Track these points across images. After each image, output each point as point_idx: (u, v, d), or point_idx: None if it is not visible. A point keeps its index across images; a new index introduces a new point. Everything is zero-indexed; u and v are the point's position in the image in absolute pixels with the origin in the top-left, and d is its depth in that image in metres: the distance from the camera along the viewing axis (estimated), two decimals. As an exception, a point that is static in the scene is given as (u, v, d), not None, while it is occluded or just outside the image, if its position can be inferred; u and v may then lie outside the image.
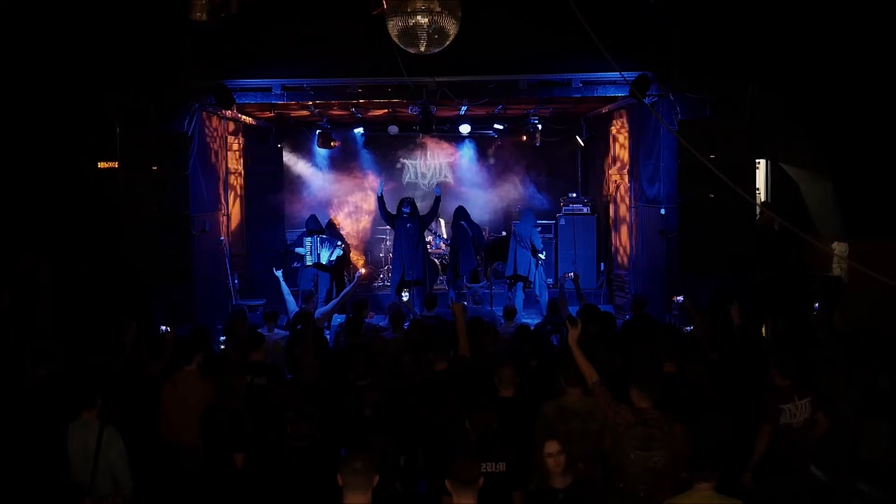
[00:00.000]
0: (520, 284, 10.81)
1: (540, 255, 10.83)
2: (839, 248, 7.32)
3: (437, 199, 10.93)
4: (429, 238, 13.24)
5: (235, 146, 12.15)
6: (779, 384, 4.93)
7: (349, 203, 14.51)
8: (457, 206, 11.89)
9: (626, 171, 11.60)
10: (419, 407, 5.28)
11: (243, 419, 5.01)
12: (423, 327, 6.35)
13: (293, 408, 4.72)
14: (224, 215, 11.03)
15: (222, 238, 10.48)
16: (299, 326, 7.49)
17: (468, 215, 11.61)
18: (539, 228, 11.34)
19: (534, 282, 10.87)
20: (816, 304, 6.60)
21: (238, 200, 12.27)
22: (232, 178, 11.81)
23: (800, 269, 7.96)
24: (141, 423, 5.42)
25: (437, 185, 11.42)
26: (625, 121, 11.56)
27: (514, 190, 14.34)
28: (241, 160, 12.36)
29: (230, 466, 4.85)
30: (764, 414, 4.90)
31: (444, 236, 13.62)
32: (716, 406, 5.06)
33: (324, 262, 10.74)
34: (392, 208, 10.85)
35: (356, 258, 13.43)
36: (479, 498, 3.63)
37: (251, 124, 12.30)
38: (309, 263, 10.75)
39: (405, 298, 8.32)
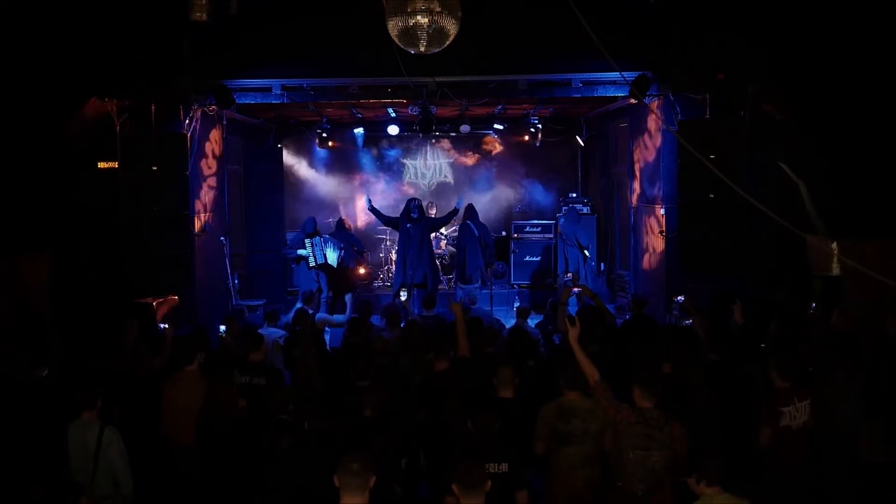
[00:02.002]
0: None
1: (585, 250, 10.88)
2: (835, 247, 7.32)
3: (455, 211, 11.02)
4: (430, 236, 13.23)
5: (235, 146, 12.13)
6: (779, 386, 4.93)
7: (348, 203, 14.51)
8: (467, 204, 11.85)
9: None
10: (419, 408, 5.28)
11: (239, 419, 5.01)
12: (420, 328, 6.35)
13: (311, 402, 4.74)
14: (224, 215, 11.02)
15: (222, 238, 10.48)
16: (298, 327, 7.50)
17: (476, 215, 11.59)
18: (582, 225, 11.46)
19: (582, 278, 10.91)
20: (813, 304, 6.60)
21: (238, 200, 12.26)
22: (231, 178, 11.79)
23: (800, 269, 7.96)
24: (141, 423, 5.42)
25: (460, 199, 11.49)
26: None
27: (513, 190, 14.35)
28: (241, 160, 12.35)
29: (228, 467, 4.85)
30: (763, 416, 4.90)
31: (445, 234, 13.60)
32: (713, 407, 5.07)
33: (331, 263, 10.77)
34: (390, 213, 10.94)
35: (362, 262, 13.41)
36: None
37: (251, 124, 12.30)
38: (312, 265, 10.76)
39: (403, 298, 8.33)
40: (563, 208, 11.74)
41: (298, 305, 8.38)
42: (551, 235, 12.74)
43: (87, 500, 3.92)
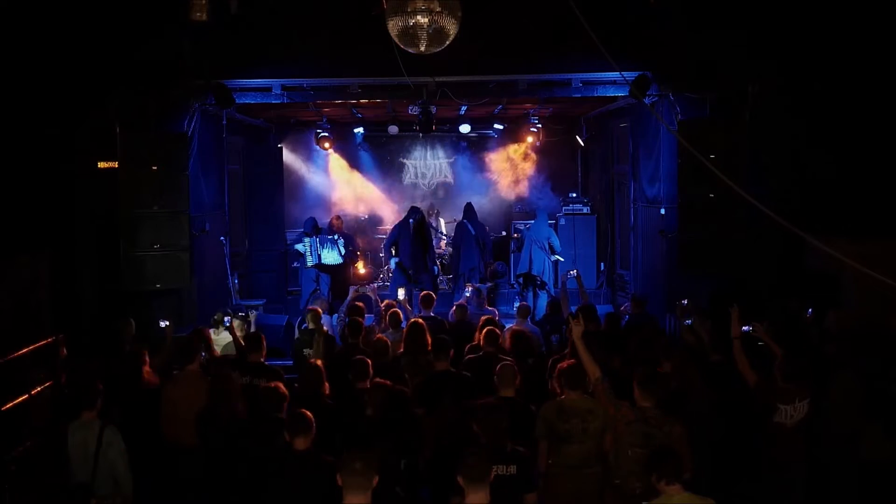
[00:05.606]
0: (540, 290, 10.82)
1: (558, 256, 10.86)
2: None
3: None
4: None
5: (235, 146, 12.14)
6: (781, 386, 4.94)
7: (349, 203, 14.52)
8: (465, 203, 11.82)
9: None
10: (419, 408, 5.28)
11: (240, 420, 5.01)
12: (421, 328, 6.35)
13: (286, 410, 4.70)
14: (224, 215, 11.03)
15: (222, 238, 10.49)
16: (305, 325, 7.48)
17: (474, 214, 11.57)
18: (553, 226, 11.41)
19: (549, 282, 10.89)
20: (810, 310, 6.59)
21: (238, 200, 12.26)
22: (231, 178, 11.80)
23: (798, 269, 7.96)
24: (141, 423, 5.42)
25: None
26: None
27: (513, 190, 14.35)
28: (241, 160, 12.35)
29: (230, 467, 4.84)
30: (763, 411, 4.92)
31: (444, 233, 13.60)
32: (713, 407, 5.07)
33: (326, 263, 10.82)
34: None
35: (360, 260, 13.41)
36: (491, 501, 3.61)
37: (251, 124, 12.30)
38: (310, 264, 10.83)
39: (401, 297, 8.32)
40: (538, 212, 11.68)
41: (311, 305, 8.40)
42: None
43: (94, 500, 3.93)
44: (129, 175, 8.24)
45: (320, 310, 7.52)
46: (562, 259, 10.96)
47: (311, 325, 7.12)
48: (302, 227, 11.53)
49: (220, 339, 7.19)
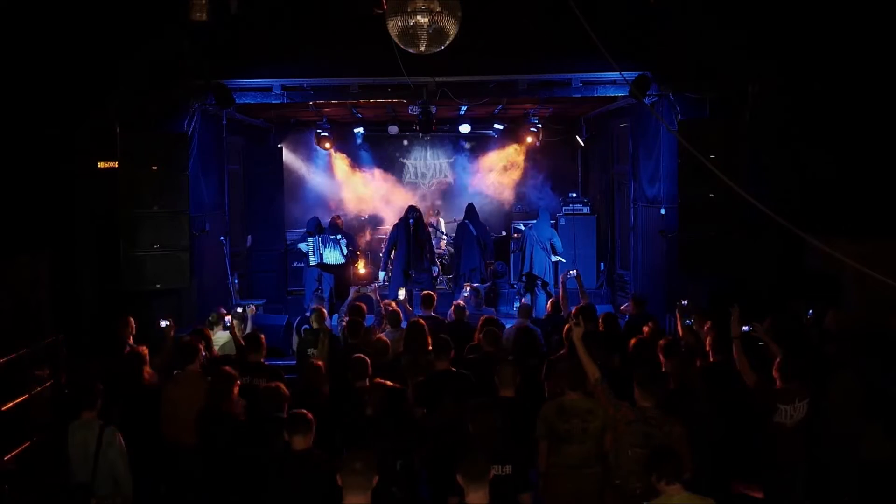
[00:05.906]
0: (540, 290, 10.82)
1: (559, 258, 10.86)
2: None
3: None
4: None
5: (235, 146, 12.13)
6: (781, 386, 4.94)
7: (349, 203, 14.51)
8: (467, 204, 11.80)
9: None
10: (418, 408, 5.28)
11: (240, 420, 5.01)
12: (421, 328, 6.35)
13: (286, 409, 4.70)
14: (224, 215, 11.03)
15: (222, 238, 10.49)
16: (305, 327, 7.48)
17: (476, 214, 11.57)
18: (553, 226, 11.39)
19: (550, 282, 10.89)
20: (811, 311, 6.60)
21: (238, 200, 12.26)
22: (231, 178, 11.80)
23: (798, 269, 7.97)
24: (141, 423, 5.42)
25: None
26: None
27: (513, 190, 14.36)
28: (241, 160, 12.35)
29: (229, 467, 4.84)
30: (763, 411, 4.92)
31: (444, 233, 13.58)
32: (713, 407, 5.08)
33: (328, 262, 10.84)
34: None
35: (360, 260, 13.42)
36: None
37: (251, 124, 12.30)
38: (313, 263, 10.85)
39: (401, 297, 8.32)
40: (541, 212, 11.67)
41: (314, 305, 8.40)
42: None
43: (94, 500, 3.94)
44: (129, 175, 8.25)
45: (324, 310, 7.53)
46: (563, 260, 10.97)
47: (315, 325, 7.13)
48: (302, 226, 11.54)
49: (217, 338, 7.19)
